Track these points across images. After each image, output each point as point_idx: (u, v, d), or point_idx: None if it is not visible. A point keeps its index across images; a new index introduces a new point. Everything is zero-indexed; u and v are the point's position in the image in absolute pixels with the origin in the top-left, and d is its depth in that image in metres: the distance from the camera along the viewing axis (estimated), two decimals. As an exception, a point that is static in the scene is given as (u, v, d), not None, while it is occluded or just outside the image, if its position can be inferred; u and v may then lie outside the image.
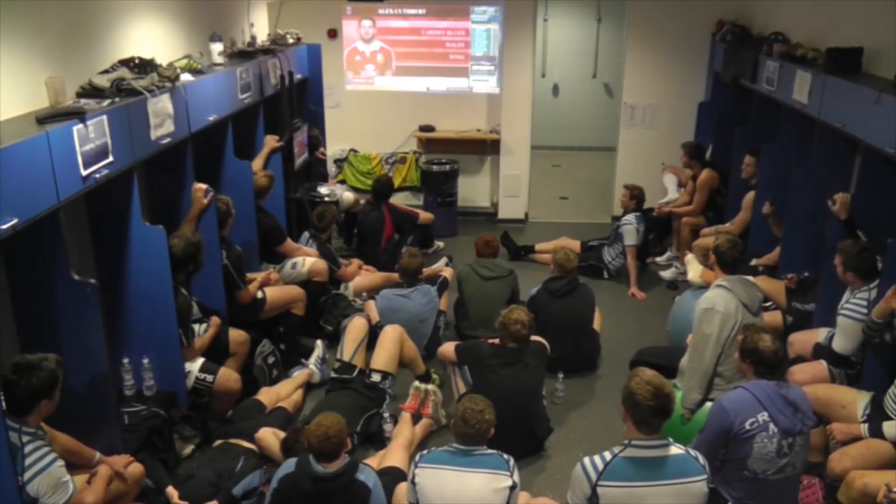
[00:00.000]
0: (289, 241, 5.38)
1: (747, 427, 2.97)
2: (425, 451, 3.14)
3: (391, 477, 3.47)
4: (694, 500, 2.80)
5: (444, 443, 3.26)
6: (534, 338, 4.47)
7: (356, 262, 5.95)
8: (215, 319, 4.28)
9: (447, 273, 5.65)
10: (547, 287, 5.00)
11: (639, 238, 6.39)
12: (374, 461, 3.72)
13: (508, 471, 3.03)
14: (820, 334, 4.21)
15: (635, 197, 6.49)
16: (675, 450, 2.81)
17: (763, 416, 2.98)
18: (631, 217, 6.40)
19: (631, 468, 2.76)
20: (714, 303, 3.79)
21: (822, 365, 3.97)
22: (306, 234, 5.78)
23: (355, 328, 4.56)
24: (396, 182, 7.79)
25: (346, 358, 4.43)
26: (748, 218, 5.83)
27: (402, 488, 3.25)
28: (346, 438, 3.14)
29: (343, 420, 3.14)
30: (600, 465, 2.76)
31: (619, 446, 2.82)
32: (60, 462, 2.85)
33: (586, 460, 2.81)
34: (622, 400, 2.85)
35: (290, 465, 3.15)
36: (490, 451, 3.10)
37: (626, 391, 2.81)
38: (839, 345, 3.88)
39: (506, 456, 3.10)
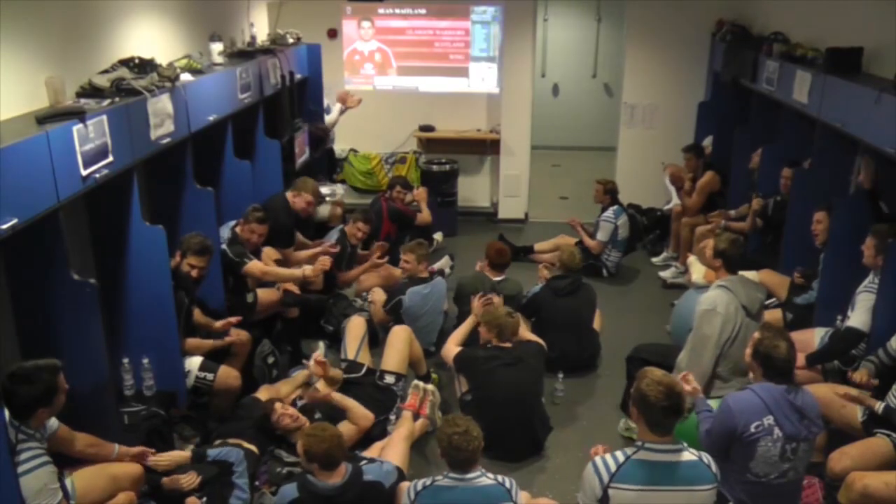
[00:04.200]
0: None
1: (752, 430, 2.95)
2: (420, 487, 3.03)
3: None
4: None
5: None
6: (531, 337, 4.48)
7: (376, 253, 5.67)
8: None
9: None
10: (550, 285, 5.00)
11: (621, 232, 6.39)
12: (375, 452, 3.73)
13: (511, 500, 2.99)
14: (817, 334, 4.21)
15: (609, 191, 6.50)
16: (689, 455, 2.74)
17: (768, 420, 2.95)
18: (610, 213, 6.41)
19: (643, 471, 2.70)
20: (715, 304, 3.76)
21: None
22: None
23: (355, 327, 4.57)
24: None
25: (350, 356, 4.41)
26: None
27: (403, 489, 3.23)
28: (342, 438, 3.18)
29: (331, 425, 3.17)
30: (613, 467, 2.71)
31: (631, 448, 2.76)
32: (52, 468, 2.81)
33: (598, 460, 2.76)
34: (633, 402, 2.79)
35: (290, 490, 3.09)
36: (489, 478, 3.02)
37: (637, 393, 2.74)
38: (861, 320, 3.82)
39: (507, 484, 3.03)
